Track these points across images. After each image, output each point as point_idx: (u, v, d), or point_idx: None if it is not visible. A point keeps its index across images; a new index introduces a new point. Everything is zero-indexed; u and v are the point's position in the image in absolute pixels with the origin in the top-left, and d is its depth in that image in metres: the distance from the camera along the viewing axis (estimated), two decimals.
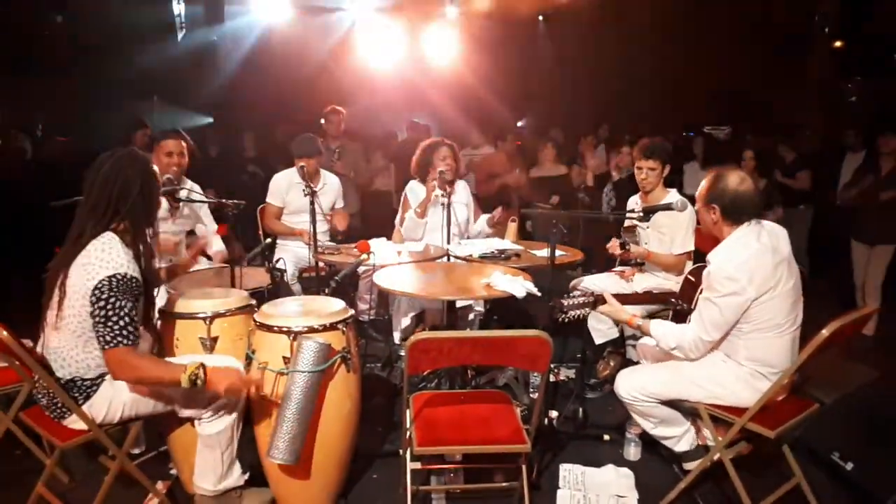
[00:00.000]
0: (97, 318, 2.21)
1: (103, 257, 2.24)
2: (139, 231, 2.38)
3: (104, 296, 2.20)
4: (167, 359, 2.54)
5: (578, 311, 2.85)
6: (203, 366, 2.29)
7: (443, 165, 4.31)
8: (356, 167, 6.31)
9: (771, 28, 9.20)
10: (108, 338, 2.21)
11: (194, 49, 8.75)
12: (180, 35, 8.59)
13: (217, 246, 4.01)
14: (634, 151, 3.98)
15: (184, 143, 3.86)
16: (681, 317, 2.98)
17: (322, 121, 6.10)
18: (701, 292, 2.71)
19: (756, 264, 2.51)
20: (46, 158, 6.81)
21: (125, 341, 2.22)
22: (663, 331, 2.74)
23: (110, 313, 2.20)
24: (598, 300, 2.85)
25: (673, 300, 3.10)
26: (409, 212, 4.42)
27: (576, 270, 5.02)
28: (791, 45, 9.58)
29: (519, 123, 12.23)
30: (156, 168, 2.49)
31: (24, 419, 2.53)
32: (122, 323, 2.22)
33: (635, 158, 3.94)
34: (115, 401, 2.35)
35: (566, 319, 2.85)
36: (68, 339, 2.30)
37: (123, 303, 2.22)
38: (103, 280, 2.21)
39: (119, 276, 2.23)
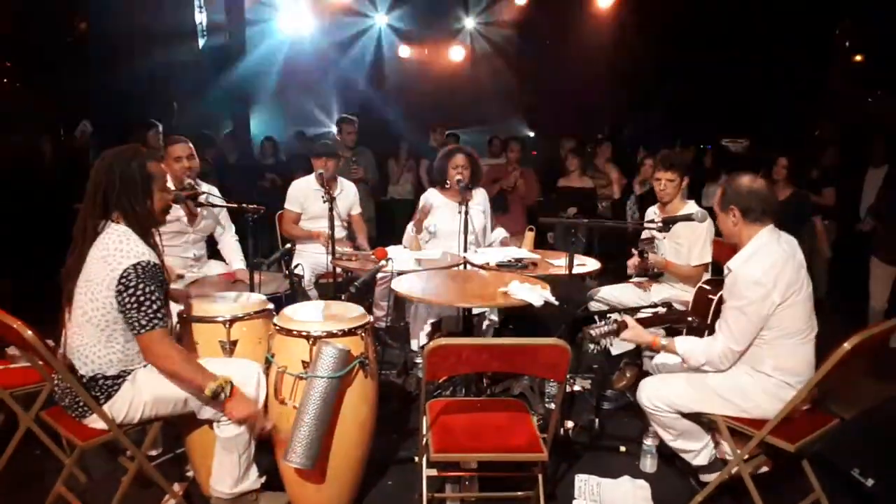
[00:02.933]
0: (129, 305, 2.25)
1: (122, 248, 2.29)
2: (135, 223, 2.38)
3: (132, 283, 2.25)
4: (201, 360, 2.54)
5: (606, 340, 2.84)
6: (231, 384, 2.34)
7: (457, 174, 4.32)
8: (367, 173, 6.36)
9: (791, 41, 9.16)
10: (143, 321, 2.26)
11: (215, 56, 8.87)
12: (201, 42, 8.71)
13: (238, 264, 4.03)
14: (654, 162, 3.98)
15: (191, 146, 3.88)
16: (696, 333, 2.96)
17: (334, 130, 6.18)
18: (720, 303, 2.69)
19: (781, 269, 2.51)
20: (67, 159, 6.92)
21: (161, 323, 2.28)
22: (690, 348, 2.71)
23: (142, 298, 2.25)
24: (621, 326, 2.83)
25: (689, 318, 3.07)
26: (410, 224, 4.44)
27: (593, 281, 5.01)
28: (811, 58, 9.54)
29: (531, 133, 12.29)
30: (150, 163, 2.45)
31: (45, 418, 2.56)
32: (154, 307, 2.27)
33: (654, 169, 3.94)
34: (135, 401, 2.38)
35: (594, 350, 2.83)
36: (91, 334, 2.33)
37: (152, 288, 2.28)
38: (129, 269, 2.25)
39: (143, 263, 2.28)
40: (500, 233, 4.76)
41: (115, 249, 2.29)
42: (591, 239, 6.31)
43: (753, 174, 2.72)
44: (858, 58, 10.08)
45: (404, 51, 10.33)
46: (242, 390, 2.46)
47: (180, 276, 3.70)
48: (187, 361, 2.35)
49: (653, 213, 4.06)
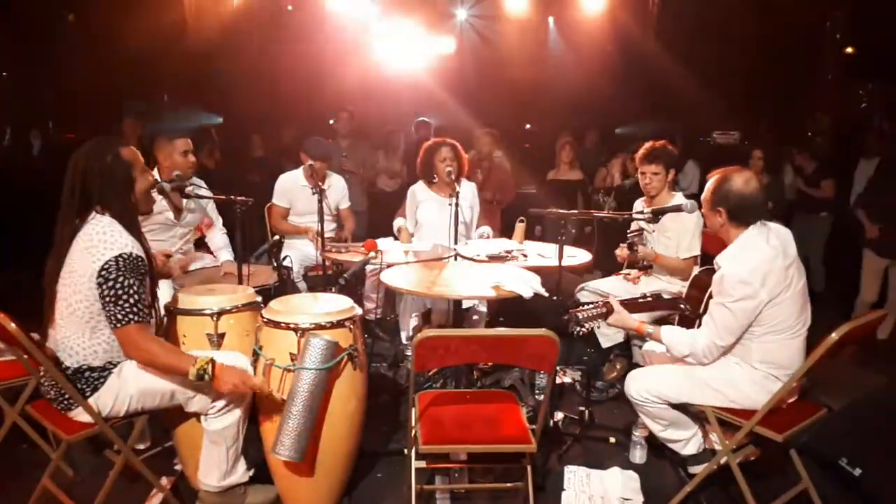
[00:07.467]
0: (107, 298, 2.24)
1: (106, 239, 2.27)
2: (122, 214, 2.37)
3: (112, 276, 2.23)
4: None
5: (593, 323, 2.83)
6: (213, 361, 2.31)
7: (446, 165, 4.29)
8: (364, 165, 6.35)
9: (782, 33, 9.16)
10: (119, 316, 2.24)
11: (204, 49, 8.79)
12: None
13: (226, 255, 4.00)
14: (637, 157, 3.95)
15: (189, 142, 3.85)
16: (687, 321, 2.96)
17: (332, 121, 6.21)
18: (710, 297, 2.69)
19: (768, 268, 2.49)
20: (54, 153, 6.89)
21: (136, 318, 2.25)
22: (674, 337, 2.71)
23: (120, 292, 2.23)
24: (609, 311, 2.83)
25: (681, 305, 3.07)
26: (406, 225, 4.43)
27: (592, 273, 4.99)
28: (802, 50, 9.54)
29: (527, 126, 12.23)
30: (123, 150, 2.42)
31: (31, 412, 2.53)
32: (132, 301, 2.25)
33: (638, 164, 3.91)
34: (121, 394, 2.36)
35: (581, 332, 2.82)
36: (76, 326, 2.32)
37: (132, 281, 2.25)
38: (110, 261, 2.24)
39: (125, 256, 2.26)
40: (486, 230, 4.74)
41: (98, 241, 2.27)
42: (588, 231, 6.28)
43: (748, 173, 2.66)
44: (850, 49, 10.09)
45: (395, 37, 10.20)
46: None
47: (168, 256, 3.66)
48: (166, 351, 2.33)
49: (640, 204, 4.04)
